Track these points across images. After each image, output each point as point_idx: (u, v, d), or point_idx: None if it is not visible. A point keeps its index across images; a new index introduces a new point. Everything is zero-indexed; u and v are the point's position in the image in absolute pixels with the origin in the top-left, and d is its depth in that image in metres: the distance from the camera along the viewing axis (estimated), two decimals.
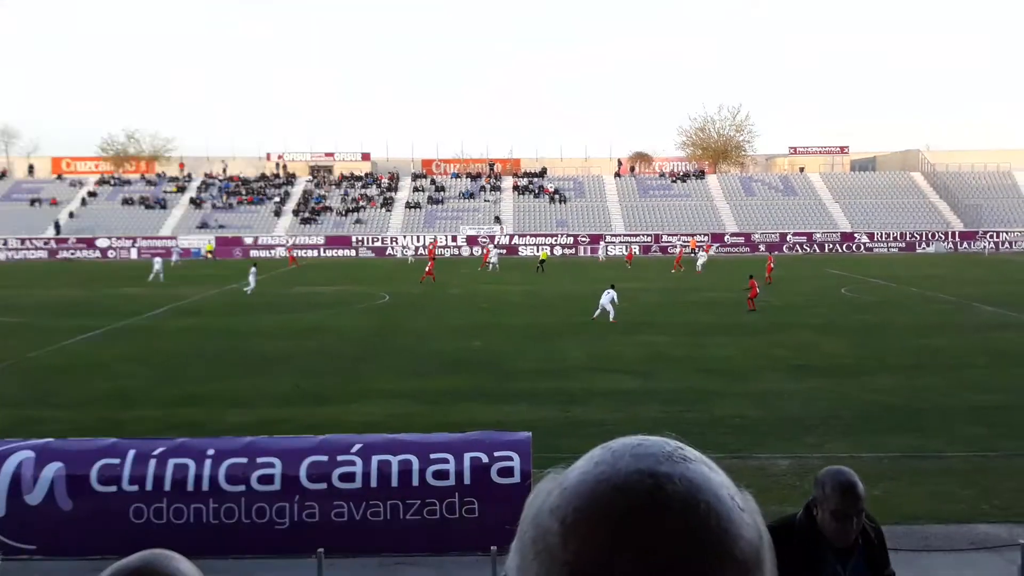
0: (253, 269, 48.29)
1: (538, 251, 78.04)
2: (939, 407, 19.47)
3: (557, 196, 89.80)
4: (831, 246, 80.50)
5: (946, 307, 37.31)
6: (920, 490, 14.19)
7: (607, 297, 34.43)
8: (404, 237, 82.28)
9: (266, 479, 11.14)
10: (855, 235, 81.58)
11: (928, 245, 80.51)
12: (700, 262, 59.69)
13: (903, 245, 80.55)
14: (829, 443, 16.79)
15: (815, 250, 79.67)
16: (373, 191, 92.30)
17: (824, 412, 19.38)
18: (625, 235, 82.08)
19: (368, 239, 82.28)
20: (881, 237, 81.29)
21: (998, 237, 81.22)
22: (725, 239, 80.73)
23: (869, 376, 23.12)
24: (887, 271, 55.78)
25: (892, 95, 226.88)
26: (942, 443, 16.76)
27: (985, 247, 79.05)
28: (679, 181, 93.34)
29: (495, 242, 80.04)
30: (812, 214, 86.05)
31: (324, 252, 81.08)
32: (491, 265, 62.22)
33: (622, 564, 0.83)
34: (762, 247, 78.42)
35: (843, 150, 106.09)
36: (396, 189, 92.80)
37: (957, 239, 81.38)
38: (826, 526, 4.47)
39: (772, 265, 50.78)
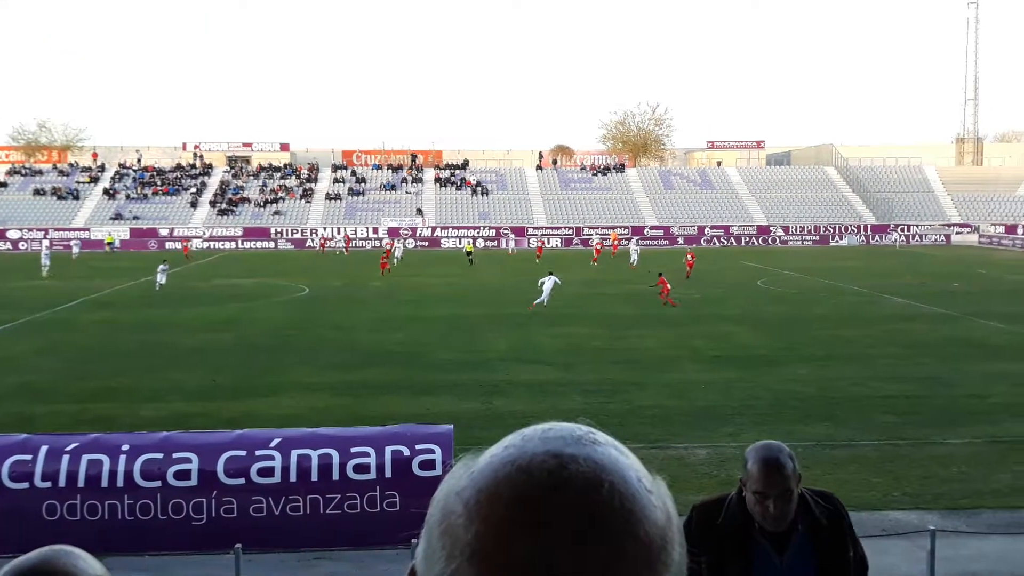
0: (162, 266, 44.20)
1: (460, 243, 78.01)
2: (851, 396, 19.97)
3: (479, 188, 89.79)
4: (747, 239, 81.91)
5: (858, 299, 38.23)
6: (833, 478, 14.52)
7: (549, 282, 35.38)
8: (324, 229, 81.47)
9: (182, 474, 10.96)
10: (771, 228, 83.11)
11: (841, 238, 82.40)
12: (634, 257, 57.40)
13: (817, 238, 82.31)
14: (745, 432, 17.09)
15: (732, 243, 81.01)
16: (292, 182, 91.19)
17: (740, 402, 19.73)
18: (547, 228, 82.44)
19: (287, 231, 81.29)
20: (796, 230, 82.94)
21: (909, 230, 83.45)
22: (645, 232, 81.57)
23: (784, 366, 23.60)
24: (802, 264, 56.93)
25: (807, 90, 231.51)
26: (854, 432, 17.20)
27: (896, 240, 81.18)
28: (600, 174, 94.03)
29: (416, 234, 79.77)
30: (729, 207, 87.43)
31: (242, 244, 79.88)
32: (395, 260, 58.40)
33: (521, 542, 0.83)
34: (681, 240, 79.49)
35: (759, 144, 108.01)
36: (316, 180, 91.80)
37: (869, 232, 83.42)
38: (752, 508, 4.02)
39: (692, 262, 48.44)
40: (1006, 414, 18.36)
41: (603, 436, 0.95)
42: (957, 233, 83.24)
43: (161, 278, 42.93)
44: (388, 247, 68.65)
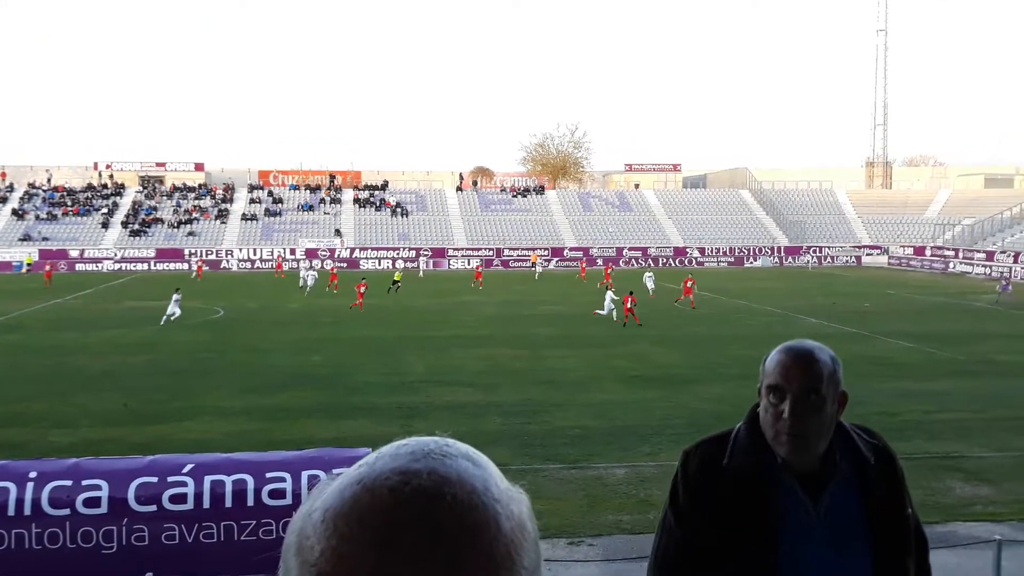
0: (175, 295, 38.62)
1: (380, 264, 77.69)
2: None
3: (399, 209, 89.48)
4: (664, 260, 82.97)
5: (772, 319, 38.95)
6: None
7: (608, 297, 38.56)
8: (240, 250, 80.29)
9: (92, 502, 10.64)
10: (687, 250, 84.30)
11: (755, 259, 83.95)
12: (651, 286, 52.50)
13: (732, 259, 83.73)
14: (663, 451, 17.24)
15: (650, 264, 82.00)
16: (207, 202, 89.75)
17: (659, 421, 19.92)
18: (467, 249, 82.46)
19: (202, 252, 79.91)
20: (712, 252, 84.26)
21: (820, 252, 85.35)
22: (564, 253, 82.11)
23: (700, 385, 23.91)
24: (717, 284, 57.84)
25: (722, 115, 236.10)
26: None
27: (808, 261, 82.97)
28: (519, 196, 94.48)
29: (335, 256, 79.06)
30: (647, 229, 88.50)
31: (155, 265, 78.26)
32: (307, 288, 54.63)
33: (364, 561, 0.84)
34: (599, 261, 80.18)
35: (676, 168, 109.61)
36: (231, 201, 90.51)
37: (782, 254, 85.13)
38: (767, 427, 2.83)
39: (691, 288, 45.28)
40: (916, 431, 18.83)
41: (457, 448, 0.95)
42: (867, 255, 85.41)
43: (174, 308, 37.70)
44: (278, 266, 68.38)
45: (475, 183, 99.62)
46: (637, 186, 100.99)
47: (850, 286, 58.09)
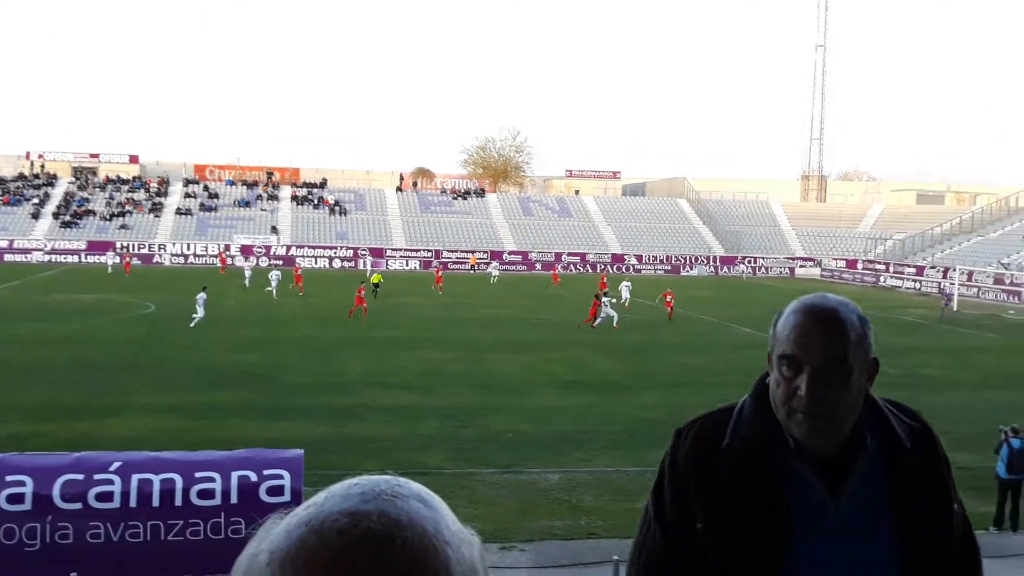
0: (201, 295, 36.36)
1: (316, 263, 76.98)
2: None
3: (337, 208, 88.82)
4: (603, 266, 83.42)
5: (707, 328, 39.39)
6: None
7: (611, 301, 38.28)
8: (173, 245, 79.05)
9: (15, 498, 10.37)
10: (625, 256, 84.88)
11: (692, 268, 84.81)
12: (625, 295, 52.87)
13: (669, 267, 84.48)
14: (597, 458, 17.33)
15: (588, 270, 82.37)
16: (141, 195, 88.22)
17: (593, 427, 20.01)
18: (406, 250, 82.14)
19: (134, 245, 78.48)
20: (649, 259, 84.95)
21: (755, 262, 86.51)
22: (504, 257, 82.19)
23: (636, 392, 24.08)
24: (654, 292, 58.19)
25: (662, 125, 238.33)
26: None
27: (743, 271, 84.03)
28: (460, 198, 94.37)
29: (271, 253, 78.18)
30: (586, 235, 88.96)
31: (86, 258, 76.68)
32: (245, 283, 54.35)
33: None
34: (539, 266, 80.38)
35: (616, 175, 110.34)
36: (166, 194, 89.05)
37: (718, 263, 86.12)
38: (777, 403, 2.28)
39: (671, 302, 43.82)
40: None
41: (409, 488, 0.93)
42: (801, 266, 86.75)
43: (200, 310, 35.72)
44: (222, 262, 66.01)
45: (415, 184, 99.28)
46: (577, 192, 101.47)
47: (783, 297, 58.18)
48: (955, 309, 49.55)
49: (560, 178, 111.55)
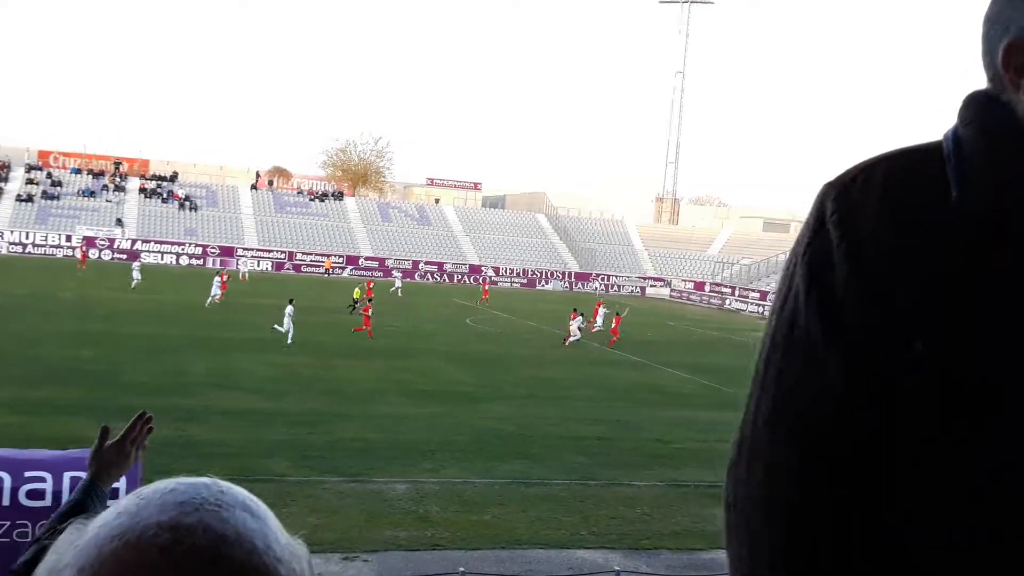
0: (289, 309, 33.84)
1: (163, 259, 74.50)
2: (548, 436, 20.64)
3: (188, 203, 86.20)
4: (460, 277, 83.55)
5: (559, 342, 39.81)
6: (527, 516, 14.89)
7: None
8: (11, 233, 75.17)
9: None
10: (482, 268, 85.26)
11: (547, 283, 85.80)
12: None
13: (525, 281, 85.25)
14: (445, 468, 17.24)
15: (445, 280, 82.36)
16: None
17: (442, 438, 19.90)
18: (258, 250, 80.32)
19: None
20: (506, 272, 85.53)
21: (608, 280, 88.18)
22: (359, 262, 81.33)
23: (486, 404, 24.09)
24: (509, 304, 58.69)
25: (524, 139, 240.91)
26: (548, 470, 17.75)
27: (597, 288, 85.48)
28: (317, 200, 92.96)
29: (114, 246, 75.22)
30: (444, 245, 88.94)
31: None
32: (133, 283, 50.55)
33: None
34: (395, 272, 79.91)
35: (476, 186, 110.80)
36: (6, 180, 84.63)
37: (573, 279, 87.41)
38: None
39: (598, 310, 45.71)
40: (688, 459, 19.60)
41: (233, 496, 0.83)
42: (652, 286, 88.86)
43: (289, 324, 33.40)
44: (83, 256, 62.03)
45: (271, 183, 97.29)
46: (437, 201, 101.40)
47: (634, 315, 60.17)
48: None
49: (421, 186, 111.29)
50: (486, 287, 64.09)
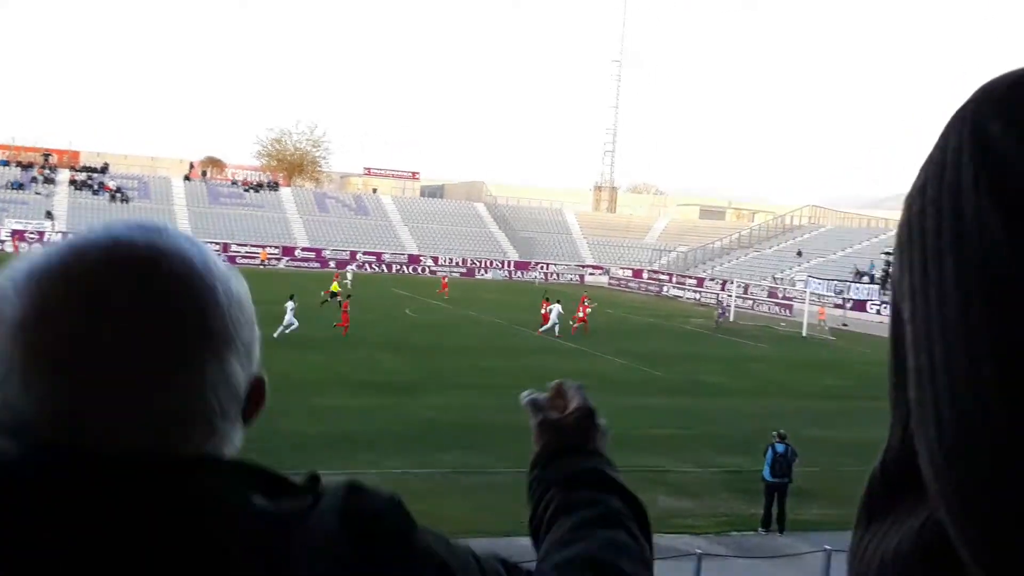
0: (291, 304, 33.98)
1: None
2: (487, 425, 20.50)
3: (119, 195, 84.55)
4: (399, 267, 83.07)
5: (498, 331, 39.76)
6: (468, 504, 14.77)
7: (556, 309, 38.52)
8: None
9: None
10: (421, 258, 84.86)
11: (487, 272, 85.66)
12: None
13: (464, 270, 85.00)
14: (385, 459, 17.06)
15: (384, 269, 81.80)
16: None
17: (381, 428, 19.72)
18: None
19: None
20: (445, 261, 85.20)
21: (548, 268, 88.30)
22: (296, 253, 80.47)
23: (425, 394, 23.93)
24: (449, 294, 58.42)
25: (462, 129, 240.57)
26: (489, 459, 17.63)
27: (536, 277, 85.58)
28: (252, 191, 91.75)
29: (44, 240, 73.46)
30: (382, 235, 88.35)
31: None
32: None
33: (69, 316, 0.82)
34: (332, 263, 79.17)
35: (415, 176, 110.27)
36: None
37: (512, 268, 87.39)
38: None
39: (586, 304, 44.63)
40: (626, 445, 19.58)
41: (175, 229, 0.93)
42: (590, 274, 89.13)
43: (291, 318, 33.44)
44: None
45: (205, 173, 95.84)
46: (375, 191, 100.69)
47: (574, 303, 60.33)
48: (731, 320, 52.04)
49: (358, 176, 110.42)
50: (445, 280, 62.88)
